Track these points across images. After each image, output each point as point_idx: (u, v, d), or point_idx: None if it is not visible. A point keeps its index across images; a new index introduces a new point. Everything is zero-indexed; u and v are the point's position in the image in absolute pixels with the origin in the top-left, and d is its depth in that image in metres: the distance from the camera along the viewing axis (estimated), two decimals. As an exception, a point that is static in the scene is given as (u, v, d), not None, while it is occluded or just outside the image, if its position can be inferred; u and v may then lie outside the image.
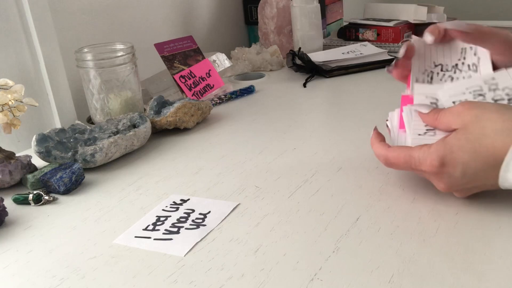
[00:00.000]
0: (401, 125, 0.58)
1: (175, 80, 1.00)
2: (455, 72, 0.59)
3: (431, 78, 0.60)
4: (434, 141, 0.52)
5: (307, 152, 0.73)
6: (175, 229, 0.56)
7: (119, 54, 0.86)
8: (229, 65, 1.11)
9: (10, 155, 0.70)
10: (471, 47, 0.59)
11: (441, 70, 0.60)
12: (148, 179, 0.70)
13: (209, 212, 0.59)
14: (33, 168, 0.72)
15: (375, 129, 0.61)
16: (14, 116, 0.69)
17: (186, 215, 0.59)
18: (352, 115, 0.87)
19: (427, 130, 0.55)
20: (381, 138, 0.59)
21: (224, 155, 0.75)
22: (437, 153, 0.51)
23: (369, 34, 1.31)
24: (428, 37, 0.59)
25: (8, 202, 0.65)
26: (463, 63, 0.59)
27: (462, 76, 0.59)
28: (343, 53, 1.19)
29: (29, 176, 0.69)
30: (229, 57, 1.20)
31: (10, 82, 0.69)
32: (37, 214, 0.62)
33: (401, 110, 0.58)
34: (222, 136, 0.83)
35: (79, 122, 0.84)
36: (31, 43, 0.86)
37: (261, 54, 1.22)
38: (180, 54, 1.04)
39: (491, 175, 0.50)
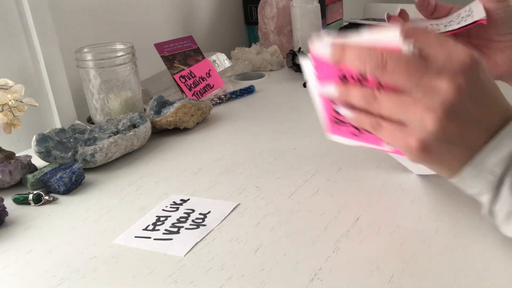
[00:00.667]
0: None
1: (175, 80, 1.00)
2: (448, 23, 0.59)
3: None
4: None
5: (307, 152, 0.73)
6: (175, 229, 0.56)
7: (119, 54, 0.86)
8: (229, 65, 1.11)
9: (10, 155, 0.70)
10: (468, 14, 0.57)
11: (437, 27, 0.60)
12: (148, 179, 0.70)
13: (209, 212, 0.59)
14: (33, 168, 0.72)
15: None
16: (14, 116, 0.69)
17: (186, 215, 0.59)
18: (352, 115, 0.86)
19: None
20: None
21: (224, 155, 0.75)
22: (467, 52, 0.40)
23: (369, 34, 1.31)
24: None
25: (8, 202, 0.65)
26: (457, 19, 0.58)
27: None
28: (343, 53, 1.19)
29: (29, 176, 0.69)
30: (229, 57, 1.20)
31: (10, 82, 0.69)
32: (37, 214, 0.62)
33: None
34: (222, 136, 0.83)
35: (79, 122, 0.84)
36: (31, 43, 0.86)
37: (261, 54, 1.22)
38: (180, 54, 1.04)
39: (487, 126, 0.41)
